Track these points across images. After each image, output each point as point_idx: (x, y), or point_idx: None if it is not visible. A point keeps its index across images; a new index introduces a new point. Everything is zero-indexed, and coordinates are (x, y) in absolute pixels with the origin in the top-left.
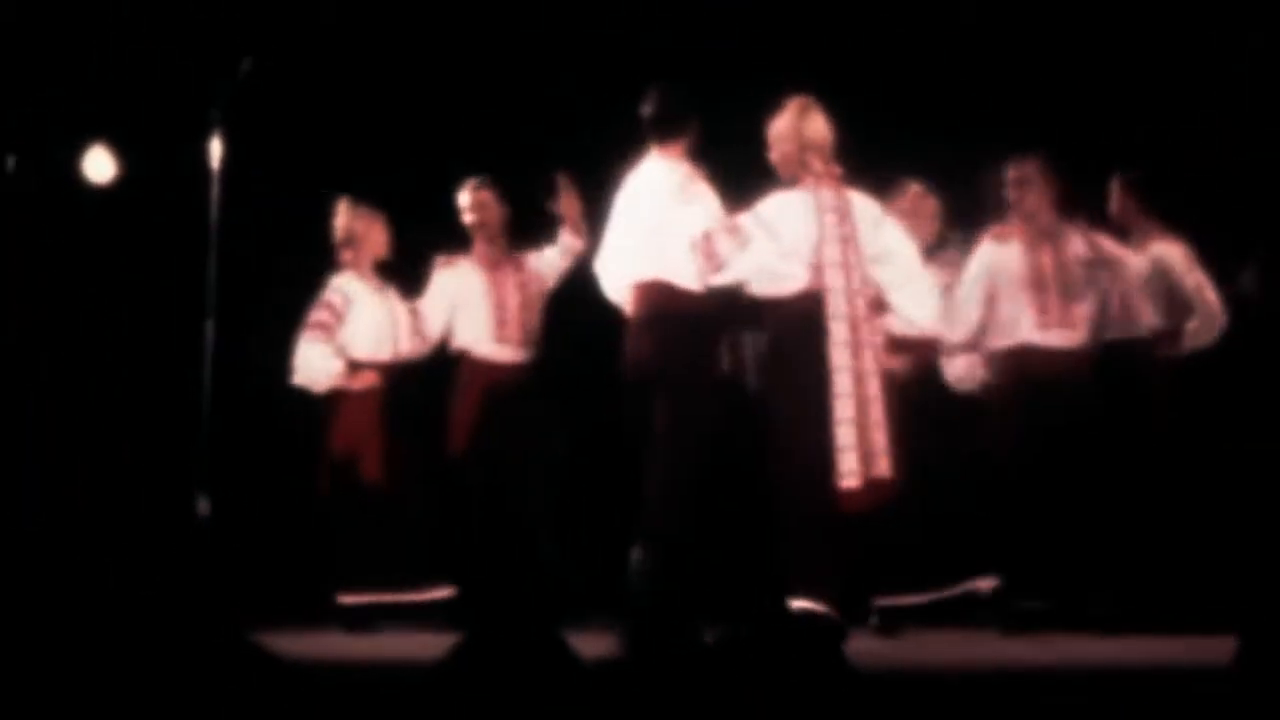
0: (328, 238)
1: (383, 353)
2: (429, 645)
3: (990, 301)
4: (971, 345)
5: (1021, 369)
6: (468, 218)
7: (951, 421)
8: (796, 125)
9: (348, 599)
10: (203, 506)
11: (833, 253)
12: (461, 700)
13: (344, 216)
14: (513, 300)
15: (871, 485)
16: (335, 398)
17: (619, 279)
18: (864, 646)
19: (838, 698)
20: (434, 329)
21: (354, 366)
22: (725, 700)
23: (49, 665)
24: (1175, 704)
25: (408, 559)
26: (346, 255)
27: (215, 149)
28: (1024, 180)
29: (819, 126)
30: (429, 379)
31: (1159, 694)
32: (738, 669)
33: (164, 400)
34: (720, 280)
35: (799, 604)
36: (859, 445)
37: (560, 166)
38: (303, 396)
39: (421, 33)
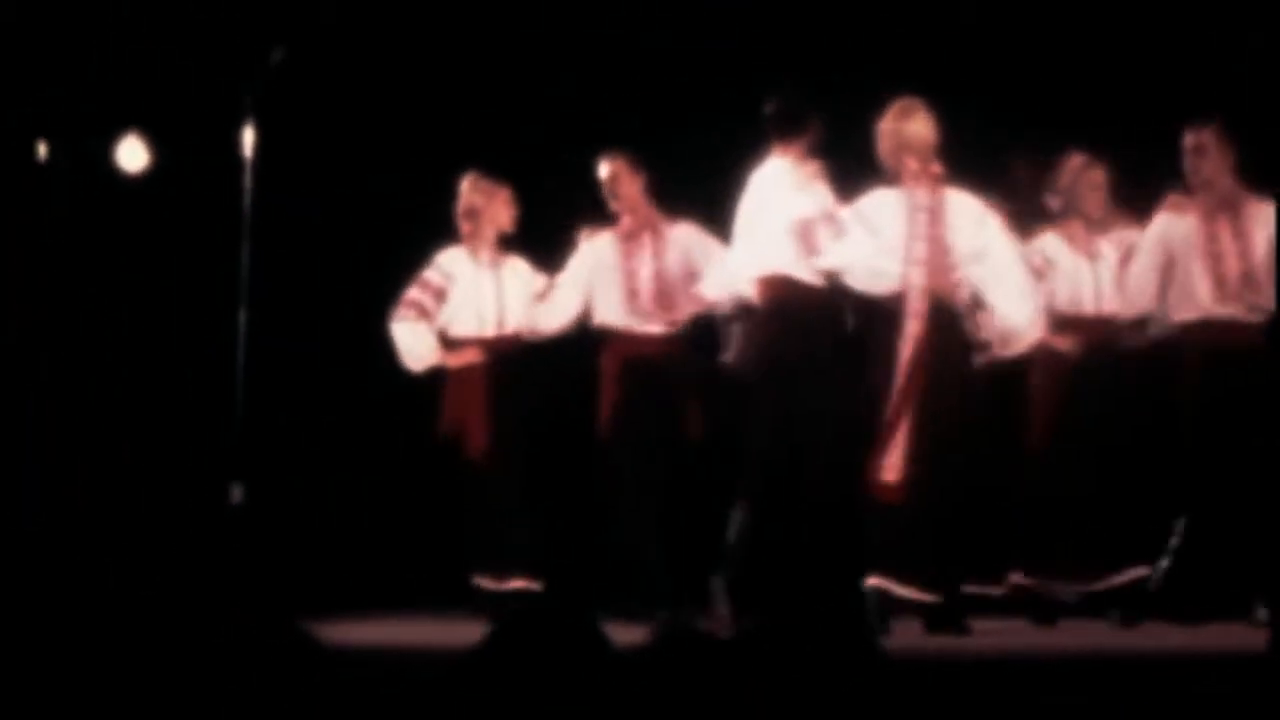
0: (364, 223)
1: (486, 329)
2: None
3: (1166, 274)
4: (1146, 320)
5: (1200, 343)
6: (605, 191)
7: (1128, 400)
8: (895, 125)
9: (484, 583)
10: (236, 495)
11: (919, 251)
12: (493, 687)
13: (465, 189)
14: (645, 270)
15: (911, 481)
16: (439, 377)
17: (744, 274)
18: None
19: (869, 688)
20: (568, 303)
21: (456, 344)
22: (753, 690)
23: (88, 655)
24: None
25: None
26: (465, 228)
27: (248, 137)
28: (1200, 148)
29: (917, 128)
30: (555, 355)
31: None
32: (766, 658)
33: (197, 389)
34: (819, 266)
35: (879, 583)
36: (906, 442)
37: (606, 147)
38: (338, 383)
39: (454, 20)
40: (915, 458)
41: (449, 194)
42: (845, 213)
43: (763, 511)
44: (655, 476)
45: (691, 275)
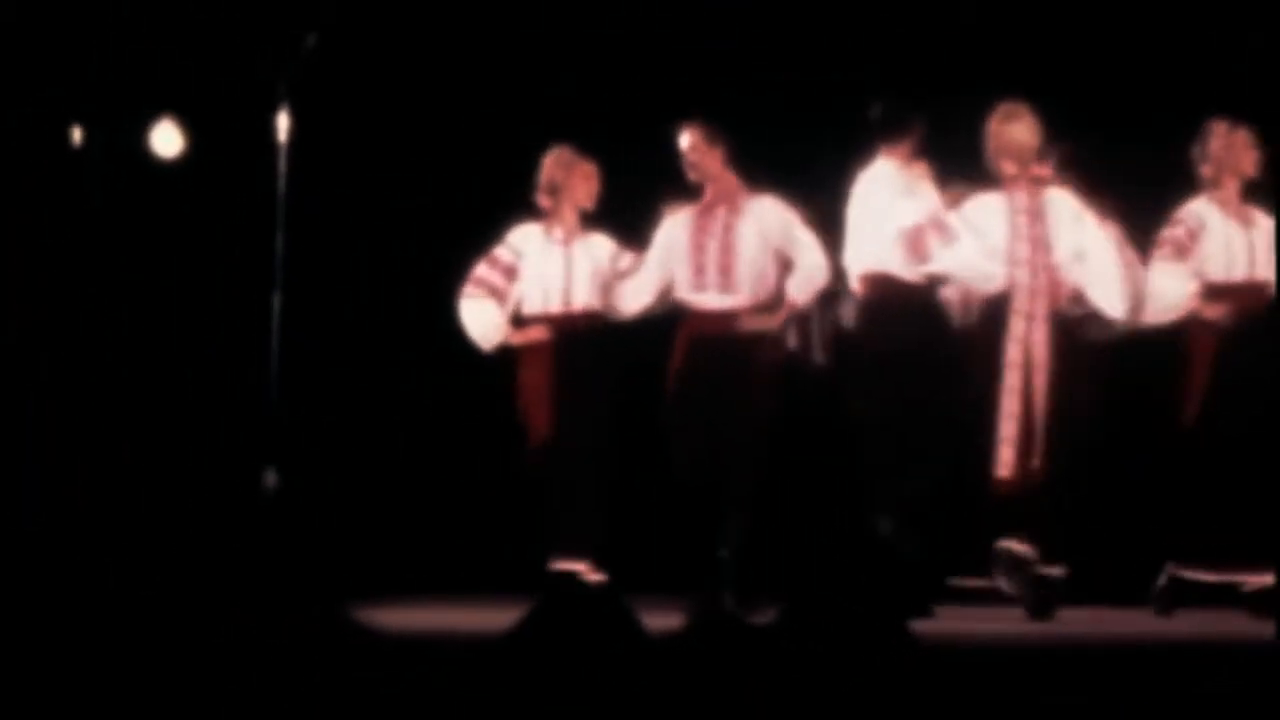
0: (398, 208)
1: (551, 306)
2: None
3: None
4: None
5: None
6: (684, 162)
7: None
8: (995, 130)
9: (560, 564)
10: (270, 480)
11: (1022, 251)
12: (527, 670)
13: (548, 162)
14: (714, 244)
15: (1025, 475)
16: (511, 356)
17: (852, 270)
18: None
19: (898, 675)
20: (647, 282)
21: (525, 322)
22: (779, 676)
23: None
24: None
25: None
26: (545, 203)
27: (282, 122)
28: None
29: (1017, 133)
30: (638, 335)
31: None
32: (799, 642)
33: (232, 374)
34: (928, 270)
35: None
36: (1019, 439)
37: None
38: (372, 368)
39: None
40: (1028, 454)
41: (484, 178)
42: (952, 217)
43: (852, 503)
44: (712, 458)
45: (769, 254)
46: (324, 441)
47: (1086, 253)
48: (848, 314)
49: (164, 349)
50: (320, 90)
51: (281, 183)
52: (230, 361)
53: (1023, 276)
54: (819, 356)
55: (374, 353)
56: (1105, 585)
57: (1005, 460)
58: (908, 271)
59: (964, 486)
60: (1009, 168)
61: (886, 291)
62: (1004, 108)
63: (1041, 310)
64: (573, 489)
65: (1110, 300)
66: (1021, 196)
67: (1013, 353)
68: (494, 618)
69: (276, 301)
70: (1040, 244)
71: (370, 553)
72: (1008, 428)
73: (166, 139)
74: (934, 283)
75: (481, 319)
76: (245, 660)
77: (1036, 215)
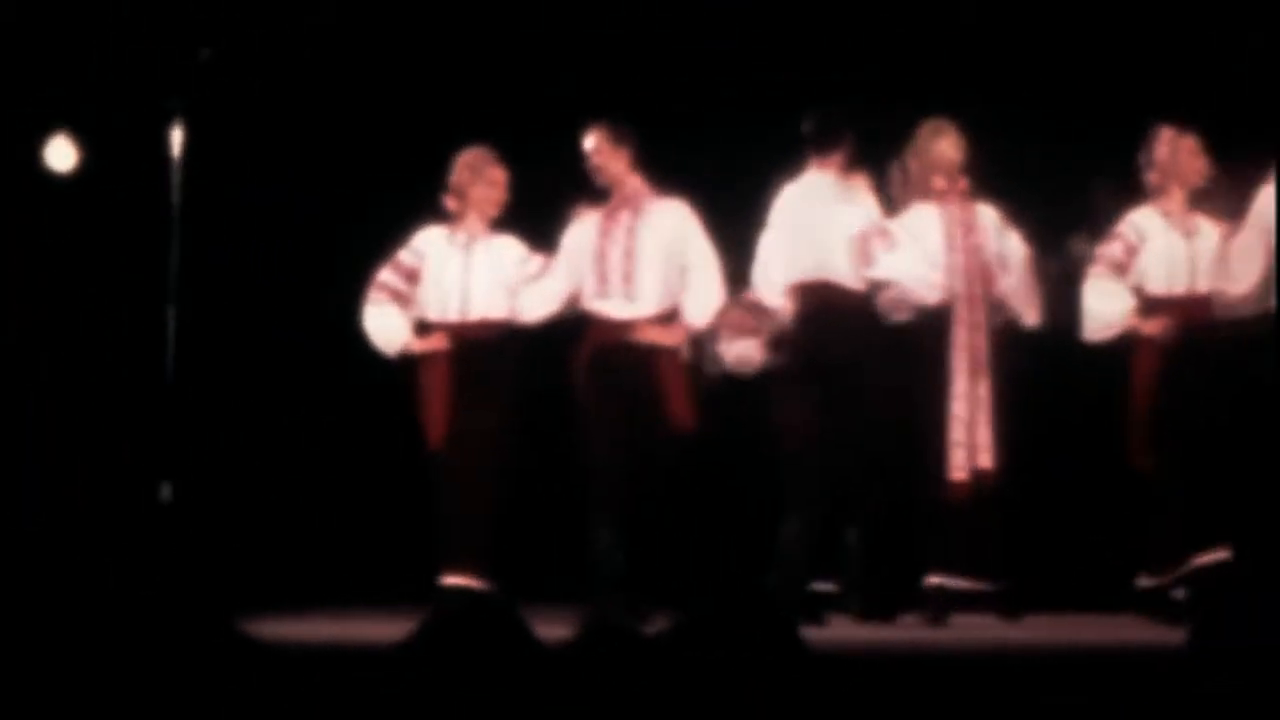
0: (291, 221)
1: (449, 314)
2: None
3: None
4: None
5: None
6: (589, 165)
7: (1223, 385)
8: (924, 146)
9: (450, 579)
10: (165, 492)
11: (958, 262)
12: (421, 681)
13: (457, 164)
14: (615, 250)
15: (976, 476)
16: (412, 363)
17: (778, 281)
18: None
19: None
20: (552, 288)
21: (426, 329)
22: (679, 682)
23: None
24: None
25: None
26: (452, 205)
27: (176, 137)
28: None
29: (945, 148)
30: (546, 342)
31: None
32: (690, 651)
33: (127, 387)
34: (872, 275)
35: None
36: (966, 442)
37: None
38: (270, 380)
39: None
40: (976, 455)
41: (386, 185)
42: (893, 225)
43: (800, 511)
44: (619, 470)
45: (672, 262)
46: (219, 454)
47: (1008, 263)
48: (712, 364)
49: (59, 361)
50: (213, 103)
51: (175, 195)
52: (125, 373)
53: (961, 286)
54: (712, 369)
55: (270, 363)
56: (1054, 592)
57: (958, 463)
58: (851, 278)
59: (921, 490)
60: (939, 182)
61: (823, 300)
62: (931, 124)
63: (981, 318)
64: (465, 498)
65: (1024, 309)
66: (953, 209)
67: (959, 360)
68: (388, 629)
69: (171, 314)
70: (974, 254)
71: (265, 565)
72: (957, 431)
73: (61, 154)
74: (873, 290)
75: (385, 325)
76: (134, 670)
77: (970, 227)
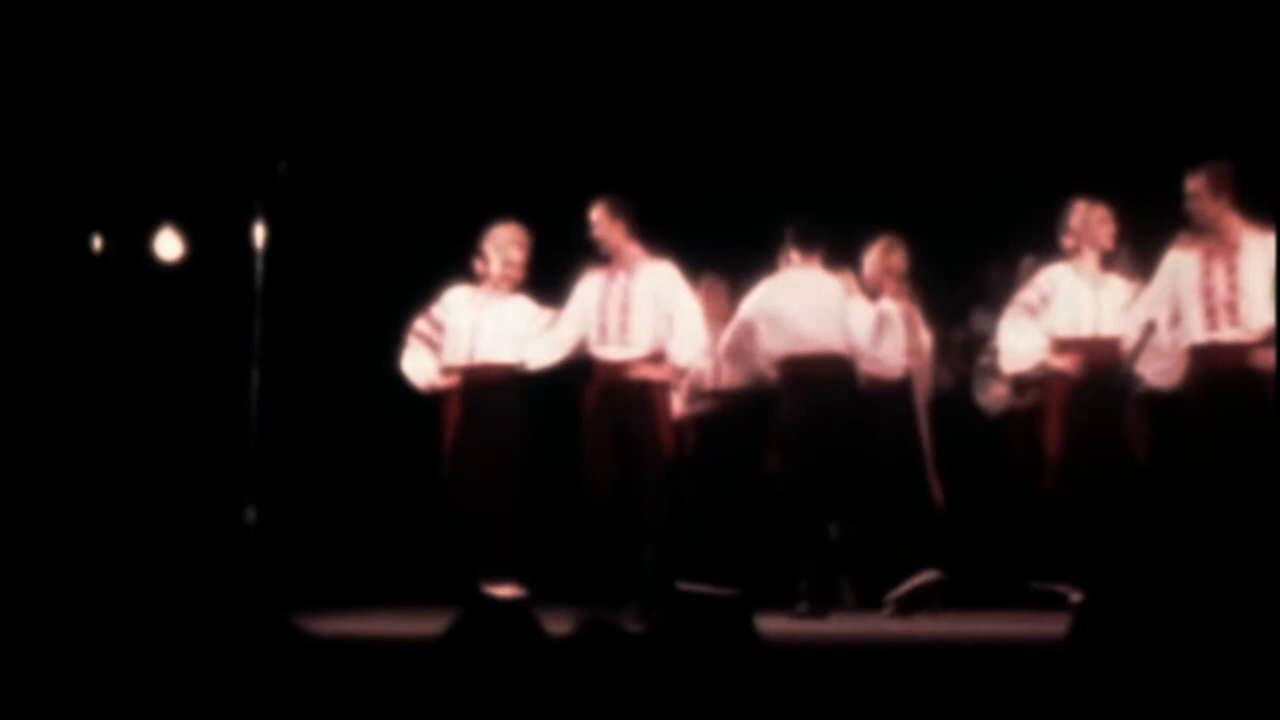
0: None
1: (459, 359)
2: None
3: (1170, 304)
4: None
5: (1194, 369)
6: (593, 233)
7: (1120, 418)
8: (881, 259)
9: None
10: (250, 515)
11: (913, 347)
12: (450, 676)
13: (487, 235)
14: (613, 305)
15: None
16: (440, 398)
17: (769, 354)
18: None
19: (747, 672)
20: (559, 338)
21: (449, 369)
22: (658, 673)
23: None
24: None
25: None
26: (478, 267)
27: (259, 232)
28: (1194, 192)
29: (896, 260)
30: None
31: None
32: (666, 646)
33: (218, 432)
34: (874, 354)
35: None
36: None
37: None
38: (333, 424)
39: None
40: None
41: (419, 268)
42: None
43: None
44: (618, 495)
45: (660, 312)
46: (295, 484)
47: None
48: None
49: (168, 412)
50: (290, 206)
51: (258, 280)
52: (218, 424)
53: (915, 365)
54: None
55: (333, 412)
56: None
57: (937, 491)
58: (869, 359)
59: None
60: (890, 284)
61: (809, 369)
62: (885, 241)
63: (924, 389)
64: (479, 517)
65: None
66: (903, 305)
67: (922, 418)
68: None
69: (255, 374)
70: (915, 341)
71: (330, 570)
72: (930, 469)
73: (168, 245)
74: (868, 361)
75: (416, 365)
76: (205, 662)
77: (912, 322)
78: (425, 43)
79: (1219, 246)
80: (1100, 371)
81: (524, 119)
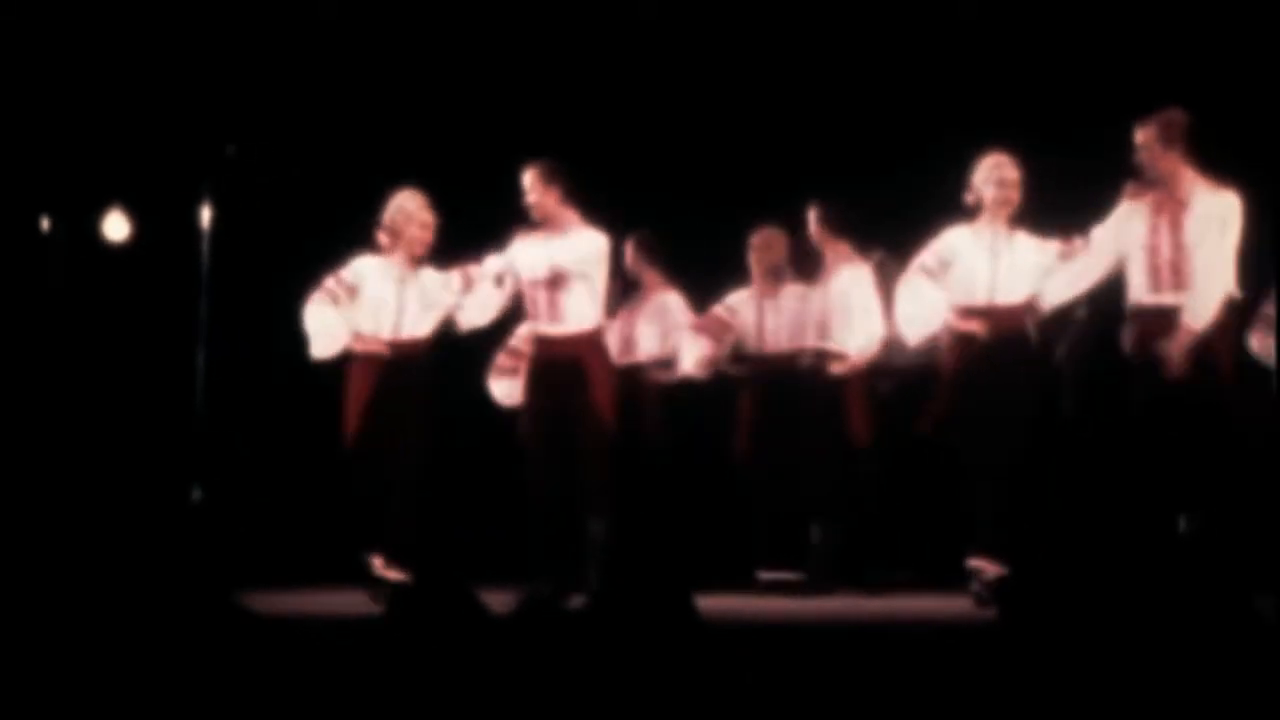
0: (299, 283)
1: (383, 331)
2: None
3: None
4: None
5: (1134, 329)
6: (526, 198)
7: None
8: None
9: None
10: (196, 494)
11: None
12: (394, 651)
13: (391, 205)
14: (543, 273)
15: None
16: (346, 365)
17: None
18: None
19: (687, 651)
20: (495, 298)
21: (363, 339)
22: (595, 648)
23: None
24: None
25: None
26: (383, 239)
27: (206, 214)
28: (1144, 143)
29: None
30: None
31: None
32: (604, 622)
33: (164, 411)
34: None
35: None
36: None
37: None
38: (279, 405)
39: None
40: None
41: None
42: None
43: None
44: (554, 465)
45: (582, 282)
46: (240, 464)
47: None
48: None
49: (114, 391)
50: (237, 188)
51: (205, 262)
52: (165, 404)
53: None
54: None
55: (282, 393)
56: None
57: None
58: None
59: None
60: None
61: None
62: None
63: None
64: (385, 491)
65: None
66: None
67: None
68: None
69: (201, 354)
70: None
71: (267, 549)
72: None
73: (116, 226)
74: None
75: (324, 324)
76: (151, 640)
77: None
78: (374, 24)
79: (1168, 201)
80: (999, 340)
81: (467, 97)
